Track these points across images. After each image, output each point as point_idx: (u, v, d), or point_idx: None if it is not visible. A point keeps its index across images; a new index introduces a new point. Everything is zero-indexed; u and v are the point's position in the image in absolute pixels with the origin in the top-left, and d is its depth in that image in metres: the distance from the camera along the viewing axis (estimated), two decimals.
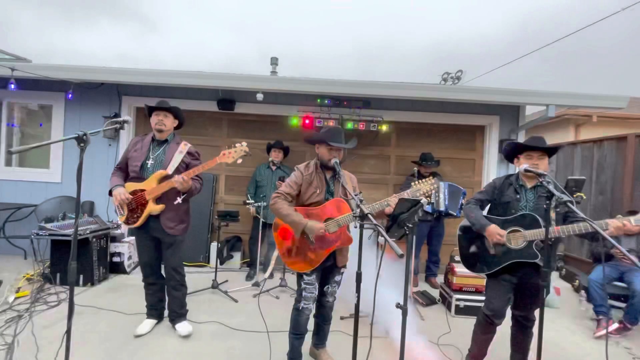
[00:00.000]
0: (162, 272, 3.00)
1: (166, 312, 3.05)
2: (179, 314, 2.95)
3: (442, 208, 4.18)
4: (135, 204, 2.76)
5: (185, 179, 2.62)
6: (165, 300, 3.03)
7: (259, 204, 4.15)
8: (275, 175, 4.44)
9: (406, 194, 2.21)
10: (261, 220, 4.25)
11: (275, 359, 2.53)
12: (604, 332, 3.19)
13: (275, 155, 4.47)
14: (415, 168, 4.11)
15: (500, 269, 2.29)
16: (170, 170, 2.74)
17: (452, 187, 4.23)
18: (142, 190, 2.74)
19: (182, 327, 2.90)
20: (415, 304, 3.76)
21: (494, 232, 2.25)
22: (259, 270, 4.32)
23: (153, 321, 2.96)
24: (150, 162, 2.78)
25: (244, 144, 2.68)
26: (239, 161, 2.70)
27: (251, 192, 4.56)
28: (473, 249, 2.45)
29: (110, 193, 2.78)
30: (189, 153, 2.84)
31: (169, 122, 2.84)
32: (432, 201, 4.21)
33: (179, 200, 2.81)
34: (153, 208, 2.73)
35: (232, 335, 2.93)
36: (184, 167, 2.79)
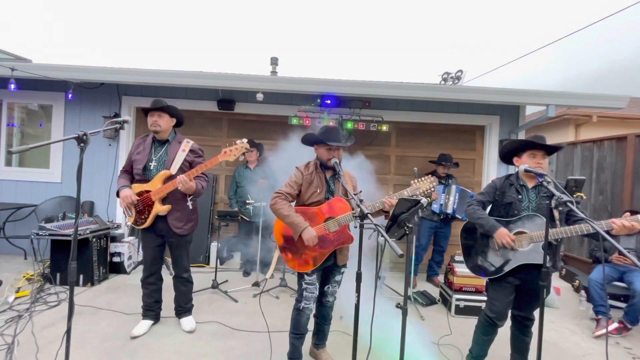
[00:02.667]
0: (162, 273, 3.05)
1: (163, 313, 3.09)
2: (184, 308, 3.03)
3: (449, 210, 4.19)
4: (142, 205, 2.78)
5: (186, 179, 2.62)
6: (162, 301, 3.07)
7: (258, 203, 4.15)
8: (254, 174, 4.44)
9: (405, 193, 2.21)
10: (255, 221, 4.25)
11: (275, 359, 2.53)
12: (603, 331, 3.19)
13: (249, 156, 4.49)
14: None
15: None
16: (173, 170, 2.75)
17: (463, 191, 4.24)
18: (148, 192, 2.76)
19: (187, 322, 2.98)
20: (415, 304, 3.76)
21: (505, 234, 2.22)
22: (258, 270, 4.32)
23: (149, 322, 2.96)
24: (153, 163, 2.80)
25: (245, 140, 2.69)
26: (241, 158, 2.70)
27: (231, 193, 4.59)
28: (478, 252, 2.43)
29: (117, 195, 2.80)
30: (191, 151, 2.84)
31: (164, 122, 2.80)
32: (441, 202, 4.22)
33: (189, 203, 2.84)
34: (159, 209, 2.76)
35: (232, 335, 2.93)
36: (187, 165, 2.80)
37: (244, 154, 2.73)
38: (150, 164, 2.79)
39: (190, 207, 2.87)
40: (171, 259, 3.00)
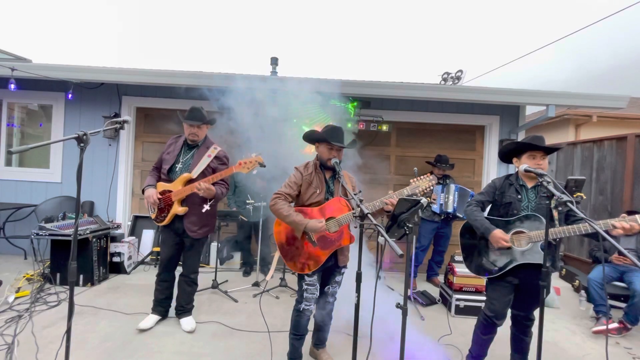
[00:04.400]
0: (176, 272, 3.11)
1: (170, 310, 3.13)
2: (185, 308, 3.05)
3: (450, 209, 4.20)
4: (164, 204, 2.89)
5: (206, 185, 2.69)
6: (172, 299, 3.12)
7: (259, 203, 4.15)
8: (252, 174, 4.43)
9: (405, 191, 2.21)
10: (254, 221, 4.24)
11: (275, 359, 2.53)
12: (601, 327, 3.22)
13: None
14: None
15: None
16: (194, 174, 2.83)
17: (462, 190, 4.25)
18: (170, 191, 2.86)
19: (187, 322, 2.99)
20: (415, 304, 3.76)
21: (499, 237, 2.23)
22: (258, 270, 4.32)
23: (157, 317, 3.02)
24: (179, 165, 2.90)
25: (260, 154, 2.74)
26: (255, 172, 2.76)
27: (230, 193, 4.58)
28: (477, 251, 2.43)
29: (143, 192, 2.94)
30: (216, 157, 2.90)
31: (202, 132, 2.94)
32: (441, 202, 4.22)
33: (207, 207, 2.88)
34: (177, 210, 2.85)
35: (232, 335, 2.93)
36: (210, 171, 2.87)
37: (262, 166, 2.77)
38: (176, 165, 2.90)
39: (208, 212, 2.92)
40: (182, 257, 3.06)
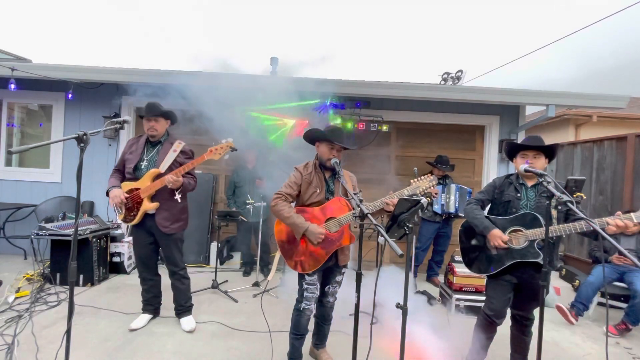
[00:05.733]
0: (159, 269, 3.10)
1: (163, 313, 3.14)
2: (184, 307, 3.04)
3: (452, 210, 4.21)
4: (132, 203, 2.83)
5: (175, 178, 2.66)
6: (161, 296, 3.12)
7: (259, 204, 4.14)
8: (253, 173, 4.46)
9: (405, 191, 2.22)
10: (254, 221, 4.25)
11: (275, 359, 2.53)
12: (565, 311, 3.46)
13: (248, 155, 4.56)
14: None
15: (501, 269, 2.29)
16: (162, 168, 2.79)
17: (462, 189, 4.27)
18: (137, 189, 2.80)
19: (187, 322, 2.98)
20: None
21: (497, 236, 2.25)
22: (258, 270, 4.32)
23: (148, 316, 3.03)
24: (144, 163, 2.86)
25: (230, 139, 2.72)
26: (226, 157, 2.75)
27: (229, 193, 4.60)
28: (475, 249, 2.44)
29: (107, 194, 2.84)
30: (182, 152, 2.89)
31: (160, 126, 2.88)
32: (442, 202, 4.23)
33: (177, 198, 2.85)
34: (148, 206, 2.79)
35: (232, 335, 2.93)
36: (177, 166, 2.84)
37: (233, 150, 2.77)
38: (141, 163, 2.86)
39: (180, 206, 2.90)
40: (163, 256, 3.01)
